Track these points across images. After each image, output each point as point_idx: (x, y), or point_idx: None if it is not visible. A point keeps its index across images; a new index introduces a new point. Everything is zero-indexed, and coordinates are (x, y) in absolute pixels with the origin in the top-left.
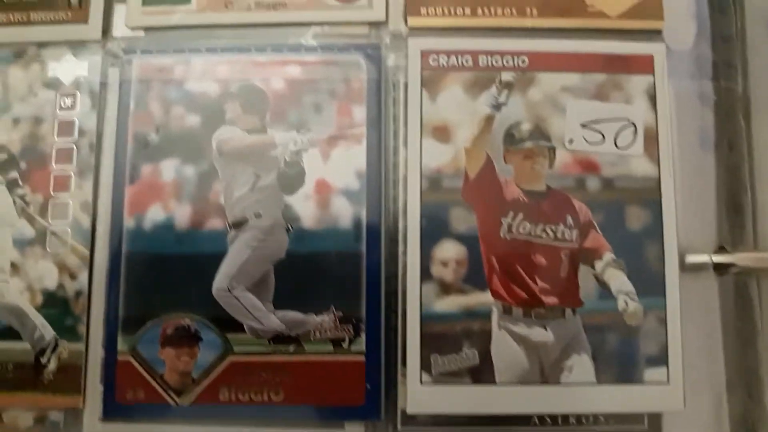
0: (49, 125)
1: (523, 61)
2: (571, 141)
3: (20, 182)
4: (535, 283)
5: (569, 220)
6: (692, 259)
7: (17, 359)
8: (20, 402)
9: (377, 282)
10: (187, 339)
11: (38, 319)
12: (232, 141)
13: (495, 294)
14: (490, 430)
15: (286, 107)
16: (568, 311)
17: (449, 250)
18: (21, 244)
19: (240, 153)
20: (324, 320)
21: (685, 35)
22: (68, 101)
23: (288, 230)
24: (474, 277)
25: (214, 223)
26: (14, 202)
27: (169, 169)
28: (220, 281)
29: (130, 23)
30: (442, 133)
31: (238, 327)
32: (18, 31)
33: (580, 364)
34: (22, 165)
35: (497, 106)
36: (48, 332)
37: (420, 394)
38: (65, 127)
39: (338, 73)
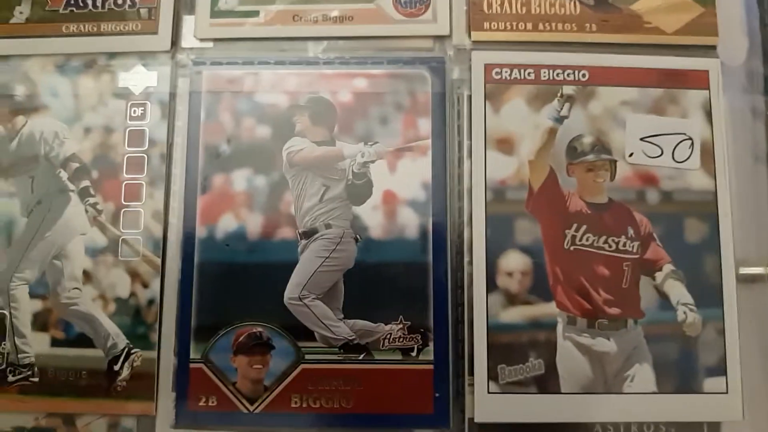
0: (119, 135)
1: (584, 75)
2: (631, 154)
3: (92, 191)
4: (599, 294)
5: (630, 231)
6: (748, 270)
7: (90, 366)
8: (93, 408)
9: (444, 292)
10: (259, 347)
11: (111, 327)
12: (301, 152)
13: (560, 305)
14: None
15: (353, 119)
16: (630, 322)
17: (514, 261)
18: (93, 252)
19: (309, 164)
20: (393, 329)
21: (738, 51)
22: (138, 111)
23: (357, 240)
24: (539, 288)
25: (285, 233)
26: (86, 211)
27: (240, 179)
28: (291, 290)
29: (199, 35)
30: (505, 146)
31: (309, 335)
32: (89, 41)
33: (642, 374)
34: (94, 174)
35: (559, 119)
36: (121, 340)
37: (488, 402)
38: (136, 137)
39: (404, 86)
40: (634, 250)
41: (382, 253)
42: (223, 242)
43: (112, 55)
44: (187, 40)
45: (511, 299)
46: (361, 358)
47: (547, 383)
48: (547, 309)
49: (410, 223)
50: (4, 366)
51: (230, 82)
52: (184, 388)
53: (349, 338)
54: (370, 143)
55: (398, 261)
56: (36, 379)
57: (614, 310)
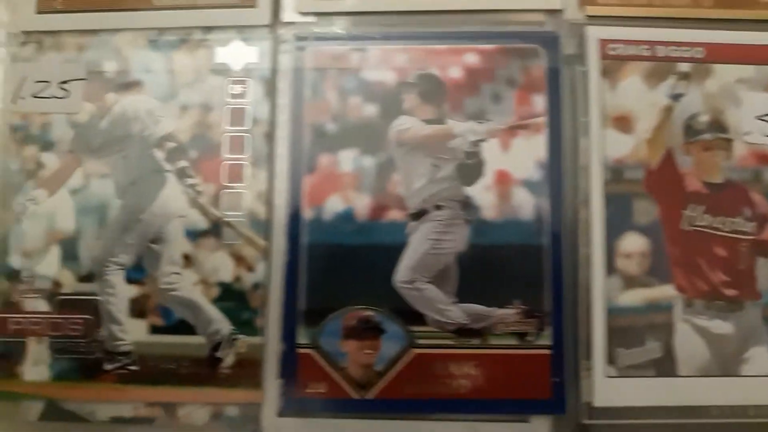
0: (218, 113)
1: (699, 52)
2: (747, 133)
3: (190, 171)
4: (716, 275)
5: (747, 212)
6: None
7: (192, 354)
8: (195, 397)
9: (561, 275)
10: (370, 331)
11: (214, 313)
12: (410, 131)
13: (677, 287)
14: (672, 422)
15: (463, 96)
16: (747, 303)
17: (633, 243)
18: (193, 235)
19: (418, 143)
20: (508, 313)
21: None
22: (239, 88)
23: (468, 222)
24: (657, 269)
25: (394, 215)
26: (184, 192)
27: (347, 159)
28: (402, 273)
29: (302, 8)
30: (622, 123)
31: (420, 320)
32: (183, 15)
33: (760, 357)
34: (192, 154)
35: (675, 97)
36: (224, 326)
37: (606, 387)
38: (237, 115)
39: (516, 61)
40: (751, 231)
41: (495, 235)
42: (331, 224)
43: (208, 30)
44: (288, 13)
45: (630, 281)
46: (475, 343)
47: (664, 366)
48: (665, 291)
49: (525, 204)
50: (100, 354)
51: (335, 59)
52: (292, 374)
53: (463, 323)
54: (481, 121)
55: (512, 243)
56: (134, 368)
57: (731, 292)
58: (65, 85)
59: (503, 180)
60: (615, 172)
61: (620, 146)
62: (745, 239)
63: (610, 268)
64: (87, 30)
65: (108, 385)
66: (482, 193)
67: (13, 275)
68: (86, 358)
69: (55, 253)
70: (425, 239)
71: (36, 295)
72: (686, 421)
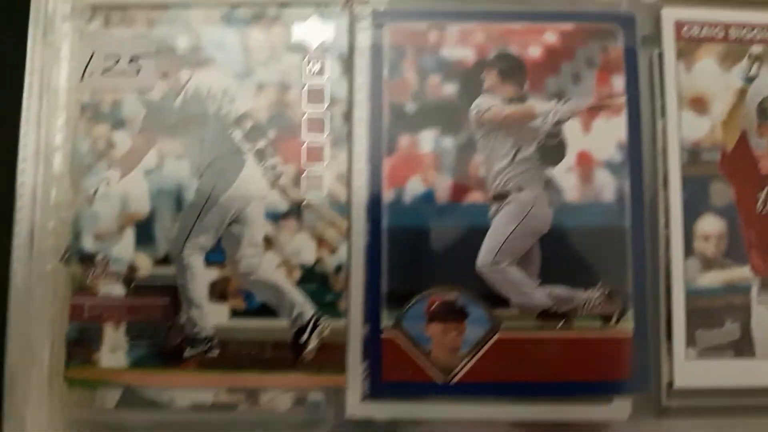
0: (296, 92)
1: None
2: None
3: (269, 152)
4: None
5: None
6: None
7: (274, 338)
8: (278, 382)
9: (643, 257)
10: (454, 314)
11: (297, 296)
12: (491, 111)
13: (754, 269)
14: (751, 401)
15: (544, 76)
16: None
17: (711, 225)
18: (274, 217)
19: (499, 123)
20: (592, 296)
21: None
22: (316, 66)
23: (551, 204)
24: (734, 252)
25: (476, 196)
26: (264, 173)
27: (427, 140)
28: (484, 256)
29: None
30: (698, 105)
31: (504, 302)
32: None
33: None
34: (270, 134)
35: (749, 79)
36: (307, 309)
37: (686, 368)
38: (315, 95)
39: (595, 41)
40: None
41: (578, 217)
42: (412, 206)
43: (283, 5)
44: None
45: (708, 263)
46: (559, 325)
47: (742, 348)
48: (742, 273)
49: (606, 185)
50: (180, 340)
51: (414, 36)
52: (376, 358)
53: (547, 305)
54: (563, 101)
55: (595, 225)
56: (215, 353)
57: None
58: (136, 62)
59: (585, 161)
60: (692, 154)
61: (697, 128)
62: None
63: (689, 250)
64: (157, 4)
65: (188, 371)
66: (564, 175)
67: (87, 259)
68: (165, 344)
69: (129, 236)
70: (508, 221)
71: (111, 280)
72: (764, 402)
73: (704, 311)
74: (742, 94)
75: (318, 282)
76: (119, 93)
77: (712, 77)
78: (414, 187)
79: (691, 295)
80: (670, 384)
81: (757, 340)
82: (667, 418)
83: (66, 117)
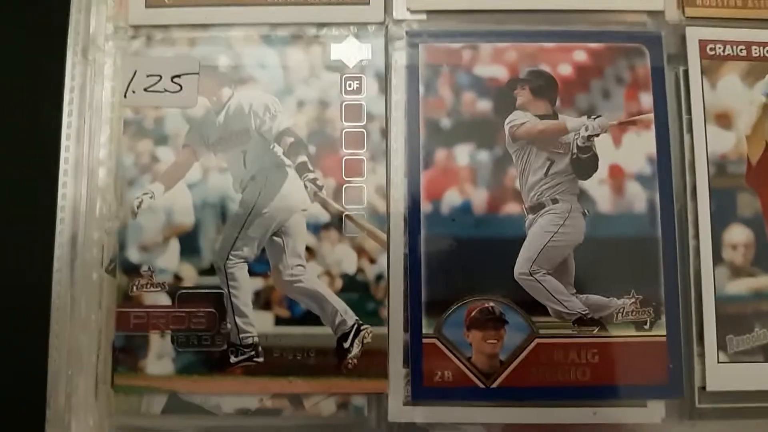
0: (335, 109)
1: None
2: None
3: (310, 166)
4: None
5: None
6: None
7: (318, 344)
8: (322, 388)
9: (674, 265)
10: (493, 321)
11: (339, 304)
12: (524, 126)
13: None
14: None
15: (574, 93)
16: None
17: (738, 234)
18: (315, 228)
19: (533, 138)
20: (625, 303)
21: None
22: (354, 84)
23: (585, 215)
24: (762, 260)
25: (511, 208)
26: (305, 186)
27: (463, 154)
28: (521, 265)
29: (413, 6)
30: (724, 120)
31: (541, 310)
32: (295, 10)
33: None
34: (311, 149)
35: None
36: (350, 317)
37: (718, 372)
38: (353, 111)
39: (623, 60)
40: None
41: (611, 228)
42: (449, 217)
43: (321, 26)
44: (399, 11)
45: (736, 271)
46: (595, 332)
47: None
48: None
49: (638, 197)
50: (225, 347)
51: (448, 55)
52: (418, 363)
53: (583, 313)
54: (593, 116)
55: (627, 235)
56: (260, 360)
57: None
58: (178, 80)
59: (616, 174)
60: (719, 167)
61: (723, 142)
62: None
63: (718, 259)
64: (197, 24)
65: (233, 377)
66: (596, 187)
67: (132, 269)
68: (210, 351)
69: (174, 247)
70: (544, 232)
71: (156, 289)
72: None
73: (734, 317)
74: (765, 109)
75: (359, 291)
76: (162, 110)
77: (736, 93)
78: (451, 199)
79: (721, 301)
80: (703, 387)
81: None
82: (699, 420)
83: (110, 133)
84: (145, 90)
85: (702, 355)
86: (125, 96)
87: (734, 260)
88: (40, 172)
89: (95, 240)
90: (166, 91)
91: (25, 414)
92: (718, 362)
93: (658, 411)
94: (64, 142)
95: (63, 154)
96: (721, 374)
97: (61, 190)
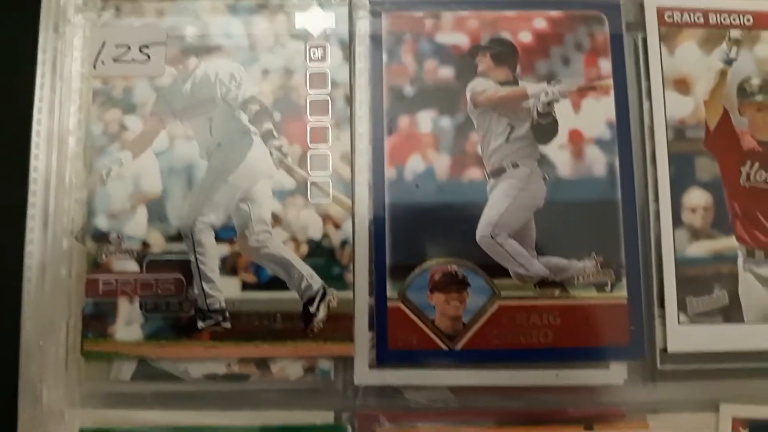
0: (300, 77)
1: (748, 20)
2: None
3: (275, 133)
4: None
5: None
6: None
7: (284, 309)
8: (289, 352)
9: (634, 228)
10: (455, 284)
11: (305, 269)
12: (486, 93)
13: (739, 239)
14: (740, 365)
15: (534, 59)
16: None
17: (697, 198)
18: (281, 195)
19: (494, 104)
20: (586, 266)
21: None
22: (318, 53)
23: (545, 179)
24: (720, 222)
25: (473, 173)
26: (271, 153)
27: (425, 120)
28: (483, 229)
29: None
30: (682, 86)
31: (503, 273)
32: None
33: None
34: (276, 116)
35: (728, 62)
36: (316, 282)
37: (678, 333)
38: (317, 79)
39: (582, 27)
40: None
41: (571, 192)
42: (413, 183)
43: None
44: None
45: (696, 234)
46: (556, 294)
47: (731, 314)
48: (728, 243)
49: (597, 161)
50: (193, 313)
51: (411, 24)
52: (383, 327)
53: (544, 275)
54: (553, 82)
55: (588, 199)
56: (227, 325)
57: None
58: (146, 50)
59: (576, 139)
60: (677, 132)
61: (681, 107)
62: None
63: (677, 222)
64: None
65: (201, 343)
66: (557, 152)
67: (101, 237)
68: (178, 317)
69: (142, 214)
70: (504, 196)
71: (125, 256)
72: (753, 365)
73: (694, 279)
74: (722, 75)
75: (325, 256)
76: (130, 80)
77: (694, 60)
78: (414, 165)
79: (681, 264)
80: (664, 349)
81: (745, 305)
82: (661, 381)
83: (79, 103)
84: (114, 60)
85: (663, 317)
86: (94, 67)
87: (693, 223)
88: (11, 145)
89: (65, 209)
90: (134, 61)
91: None
92: (679, 324)
93: (621, 372)
94: (36, 115)
95: (35, 127)
96: (682, 335)
97: (33, 162)
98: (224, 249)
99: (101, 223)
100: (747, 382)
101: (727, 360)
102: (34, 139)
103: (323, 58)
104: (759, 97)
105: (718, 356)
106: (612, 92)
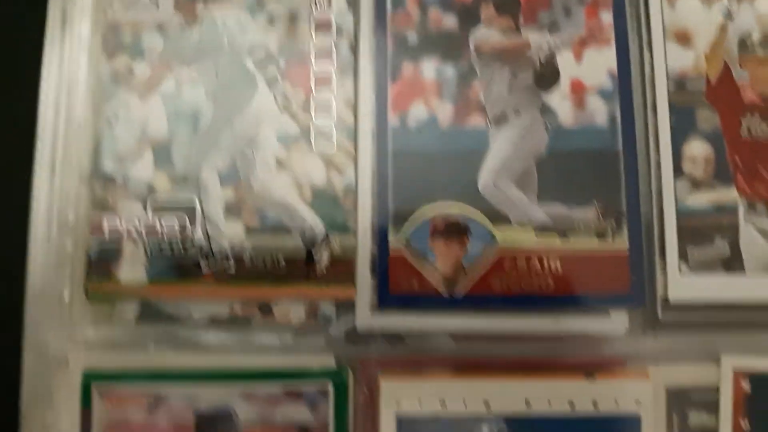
0: (305, 24)
1: None
2: None
3: (280, 79)
4: None
5: None
6: None
7: (287, 253)
8: (291, 295)
9: (635, 178)
10: (457, 231)
11: (308, 214)
12: (488, 42)
13: (740, 190)
14: (741, 317)
15: (537, 10)
16: None
17: (698, 148)
18: (285, 140)
19: (497, 53)
20: (587, 214)
21: None
22: (323, 0)
23: (547, 128)
24: (721, 174)
25: (475, 121)
26: (275, 99)
27: (429, 68)
28: (485, 176)
29: None
30: (683, 39)
31: (505, 220)
32: None
33: None
34: (281, 62)
35: (729, 15)
36: (319, 226)
37: (679, 283)
38: (323, 26)
39: None
40: None
41: (572, 141)
42: (416, 130)
43: None
44: None
45: (696, 184)
46: (557, 242)
47: (732, 264)
48: (729, 194)
49: (599, 111)
50: (197, 255)
51: None
52: (384, 272)
53: (545, 222)
54: (555, 32)
55: (589, 148)
56: (231, 267)
57: None
58: None
59: (577, 89)
60: (678, 84)
61: (682, 60)
62: None
63: (678, 172)
64: None
65: (204, 285)
66: (558, 101)
67: (107, 179)
68: (182, 259)
69: (148, 158)
70: (507, 144)
71: (131, 199)
72: (755, 316)
73: (695, 229)
74: (723, 29)
75: (328, 202)
76: (139, 26)
77: (695, 13)
78: (417, 113)
79: (682, 214)
80: (666, 300)
81: (746, 257)
82: (663, 331)
83: (89, 50)
84: (123, 7)
85: (664, 268)
86: (105, 14)
87: (694, 174)
88: (20, 92)
89: (73, 151)
90: (143, 7)
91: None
92: (680, 273)
93: (622, 322)
94: (45, 60)
95: (44, 72)
96: (683, 285)
97: (41, 107)
98: (229, 193)
99: (108, 166)
100: (749, 335)
101: (728, 311)
102: (43, 84)
103: (328, 5)
104: (760, 52)
105: (719, 307)
106: (613, 43)
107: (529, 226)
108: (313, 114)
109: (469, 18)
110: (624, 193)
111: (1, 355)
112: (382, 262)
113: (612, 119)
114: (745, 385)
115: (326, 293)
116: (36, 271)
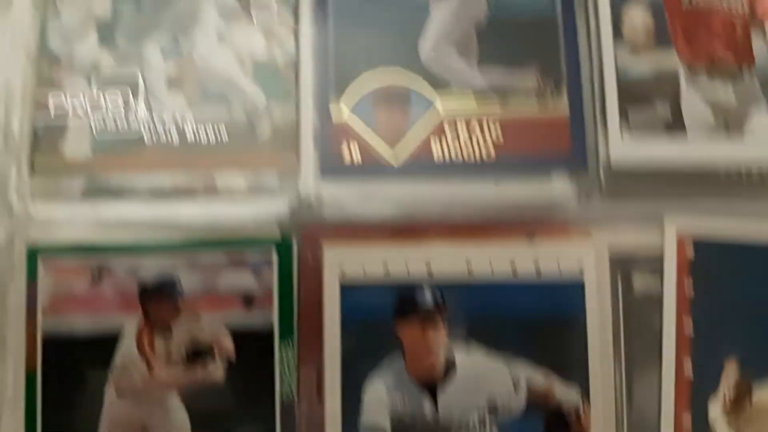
0: None
1: None
2: None
3: None
4: (714, 45)
5: None
6: None
7: (230, 125)
8: (234, 164)
9: (575, 43)
10: (399, 99)
11: (249, 86)
12: None
13: (681, 55)
14: (682, 177)
15: None
16: (746, 73)
17: (638, 15)
18: (226, 14)
19: None
20: (527, 78)
21: None
22: None
23: None
24: (661, 39)
25: None
26: None
27: None
28: (426, 43)
29: None
30: None
31: (445, 86)
32: None
33: (761, 122)
34: None
35: None
36: (260, 98)
37: (621, 146)
38: None
39: None
40: (744, 8)
41: (512, 7)
42: None
43: None
44: None
45: (637, 49)
46: (498, 107)
47: (674, 128)
48: (669, 59)
49: None
50: (140, 129)
51: None
52: (327, 141)
53: (485, 87)
54: None
55: (528, 13)
56: (174, 140)
57: (729, 59)
58: None
59: None
60: None
61: None
62: (738, 15)
63: (618, 37)
64: None
65: (149, 158)
66: None
67: (53, 58)
68: (126, 134)
69: (93, 36)
70: (447, 10)
71: (76, 76)
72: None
73: (636, 93)
74: None
75: (269, 74)
76: None
77: None
78: None
79: (623, 78)
80: (608, 166)
81: (688, 121)
82: (606, 196)
83: None
84: None
85: (605, 131)
86: None
87: (635, 39)
88: None
89: (20, 31)
90: None
91: None
92: (622, 138)
93: (563, 186)
94: None
95: None
96: (625, 149)
97: None
98: (171, 67)
99: (54, 45)
100: (692, 199)
101: (671, 174)
102: None
103: None
104: None
105: (662, 171)
106: None
107: (470, 92)
108: None
109: None
110: (563, 57)
111: None
112: (325, 132)
113: None
114: (689, 247)
115: (268, 163)
116: None
